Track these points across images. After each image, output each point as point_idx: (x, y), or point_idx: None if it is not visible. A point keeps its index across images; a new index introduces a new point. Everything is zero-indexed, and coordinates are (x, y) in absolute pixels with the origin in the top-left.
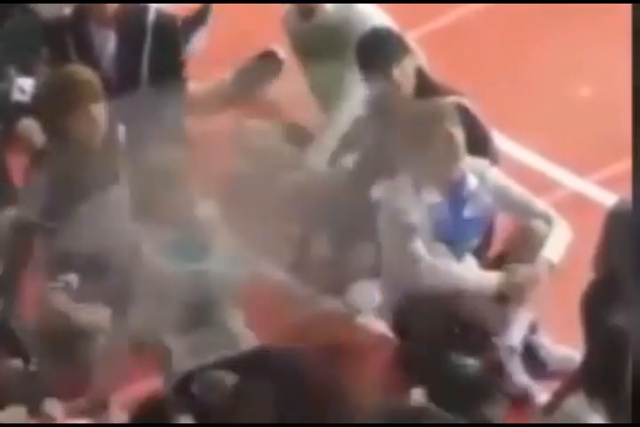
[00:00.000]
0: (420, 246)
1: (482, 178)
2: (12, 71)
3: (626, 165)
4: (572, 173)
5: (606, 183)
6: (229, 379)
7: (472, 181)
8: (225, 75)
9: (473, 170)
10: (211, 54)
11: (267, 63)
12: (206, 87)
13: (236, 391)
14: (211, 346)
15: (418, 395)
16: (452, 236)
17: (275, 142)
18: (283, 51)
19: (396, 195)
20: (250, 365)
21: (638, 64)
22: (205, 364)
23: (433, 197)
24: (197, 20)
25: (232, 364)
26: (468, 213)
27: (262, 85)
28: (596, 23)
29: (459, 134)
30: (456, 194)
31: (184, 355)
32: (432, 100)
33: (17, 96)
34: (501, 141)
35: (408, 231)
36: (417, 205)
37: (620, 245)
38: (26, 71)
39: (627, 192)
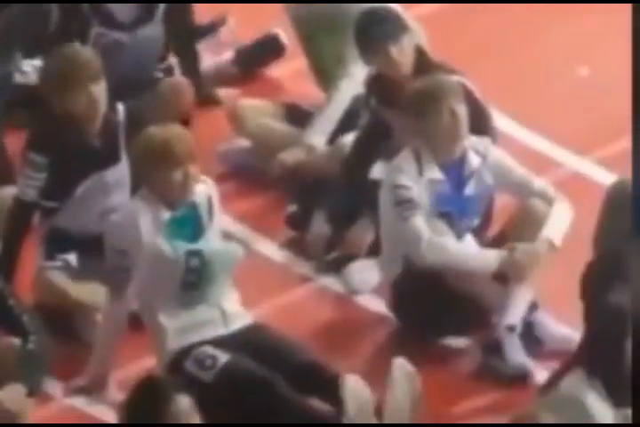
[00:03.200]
0: (420, 223)
1: (483, 156)
2: (17, 54)
3: (625, 144)
4: (572, 152)
5: (606, 162)
6: (223, 356)
7: (473, 160)
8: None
9: (474, 148)
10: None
11: (269, 47)
12: (211, 65)
13: (229, 369)
14: (205, 324)
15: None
16: (452, 213)
17: (273, 121)
18: (284, 34)
19: (396, 172)
20: (244, 344)
21: (638, 64)
22: (201, 341)
23: (434, 174)
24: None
25: (227, 342)
26: (468, 191)
27: (262, 67)
28: (595, 7)
29: (462, 112)
30: (457, 172)
31: (179, 333)
32: (434, 78)
33: (18, 78)
34: (502, 121)
35: (408, 208)
36: (418, 182)
37: (619, 224)
38: (30, 54)
39: (626, 171)
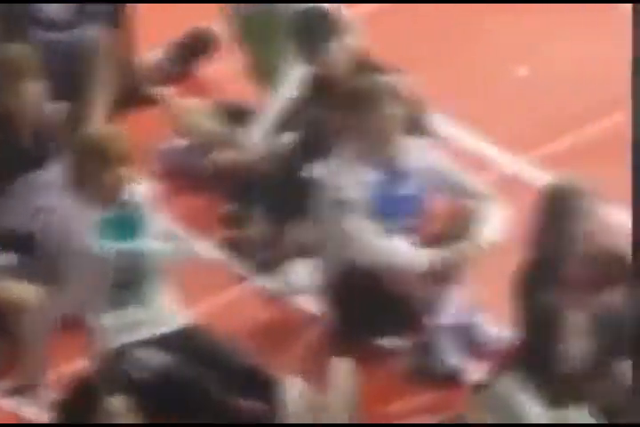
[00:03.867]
0: (355, 223)
1: (419, 157)
2: None
3: (560, 145)
4: (508, 152)
5: (541, 163)
6: (159, 358)
7: (408, 160)
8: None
9: (409, 148)
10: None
11: (199, 40)
12: (144, 63)
13: (163, 370)
14: (140, 324)
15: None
16: (387, 213)
17: (210, 121)
18: (217, 29)
19: (332, 172)
20: (179, 344)
21: (638, 65)
22: (136, 342)
23: (369, 174)
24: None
25: (162, 342)
26: (403, 190)
27: (194, 62)
28: (534, 7)
29: (397, 113)
30: (392, 172)
31: (113, 333)
32: (370, 78)
33: None
34: (438, 121)
35: (344, 208)
36: (353, 182)
37: (554, 225)
38: None
39: (562, 172)
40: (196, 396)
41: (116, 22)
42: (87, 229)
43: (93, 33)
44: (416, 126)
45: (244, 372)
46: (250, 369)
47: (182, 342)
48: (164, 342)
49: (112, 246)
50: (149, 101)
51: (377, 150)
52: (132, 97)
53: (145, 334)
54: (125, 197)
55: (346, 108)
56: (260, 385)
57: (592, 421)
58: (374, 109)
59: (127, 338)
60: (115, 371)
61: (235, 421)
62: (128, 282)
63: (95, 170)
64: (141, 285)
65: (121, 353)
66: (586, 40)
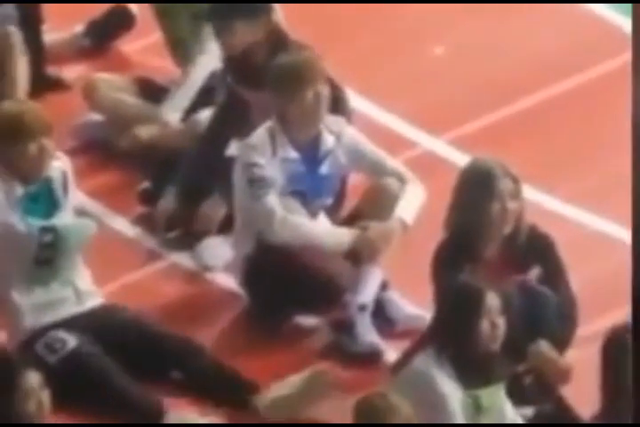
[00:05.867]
0: (273, 201)
1: (337, 136)
2: None
3: (478, 124)
4: (425, 132)
5: (459, 142)
6: (72, 341)
7: (328, 139)
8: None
9: (328, 128)
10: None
11: (118, 18)
12: (61, 38)
13: (74, 354)
14: (59, 303)
15: None
16: (306, 192)
17: (127, 96)
18: (135, 7)
19: (250, 150)
20: (95, 324)
21: (638, 65)
22: (51, 322)
23: (288, 153)
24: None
25: (79, 323)
26: (323, 170)
27: (113, 39)
28: None
29: (325, 93)
30: (312, 151)
31: (32, 311)
32: (299, 57)
33: None
34: (356, 100)
35: (261, 186)
36: (271, 160)
37: (472, 205)
38: None
39: (479, 152)
40: (99, 383)
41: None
42: (9, 205)
43: (8, 11)
44: (334, 106)
45: (166, 346)
46: (167, 343)
47: (98, 322)
48: (81, 323)
49: (34, 222)
50: (60, 86)
51: (299, 130)
52: (42, 80)
53: (64, 313)
54: (46, 172)
55: (273, 88)
56: (176, 360)
57: (506, 401)
58: (303, 91)
59: (47, 317)
60: (30, 351)
61: (133, 411)
62: (48, 258)
63: (15, 144)
64: (60, 261)
65: (38, 334)
66: (504, 19)
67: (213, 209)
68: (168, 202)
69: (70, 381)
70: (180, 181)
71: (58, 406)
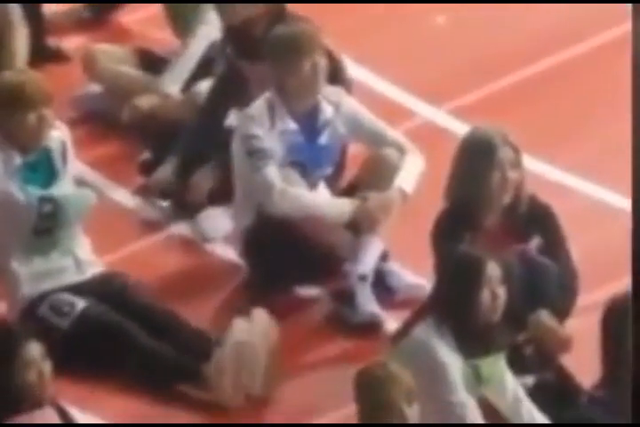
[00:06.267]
0: (273, 172)
1: (336, 106)
2: None
3: (479, 94)
4: (426, 101)
5: (459, 112)
6: (80, 303)
7: (327, 109)
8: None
9: (327, 98)
10: None
11: None
12: (61, 10)
13: (86, 315)
14: (59, 272)
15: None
16: (305, 163)
17: (126, 67)
18: None
19: (249, 122)
20: (98, 291)
21: (638, 64)
22: (52, 289)
23: (287, 124)
24: None
25: (81, 289)
26: (322, 140)
27: (113, 10)
28: None
29: (323, 64)
30: (311, 122)
31: (32, 280)
32: (297, 28)
33: None
34: (355, 70)
35: (260, 157)
36: (270, 131)
37: (472, 175)
38: None
39: (479, 121)
40: (117, 340)
41: None
42: (8, 174)
43: None
44: (333, 76)
45: (160, 317)
46: (166, 314)
47: (101, 289)
48: (84, 289)
49: (33, 192)
50: (61, 58)
51: (297, 101)
52: (42, 51)
53: (64, 281)
54: (45, 142)
55: (271, 59)
56: (176, 329)
57: (507, 370)
58: (301, 62)
59: (47, 285)
60: (34, 317)
61: (152, 365)
62: (47, 228)
63: (15, 113)
64: (60, 231)
65: (41, 299)
66: None
67: (205, 179)
68: (165, 171)
69: (86, 342)
70: (179, 152)
71: (69, 371)
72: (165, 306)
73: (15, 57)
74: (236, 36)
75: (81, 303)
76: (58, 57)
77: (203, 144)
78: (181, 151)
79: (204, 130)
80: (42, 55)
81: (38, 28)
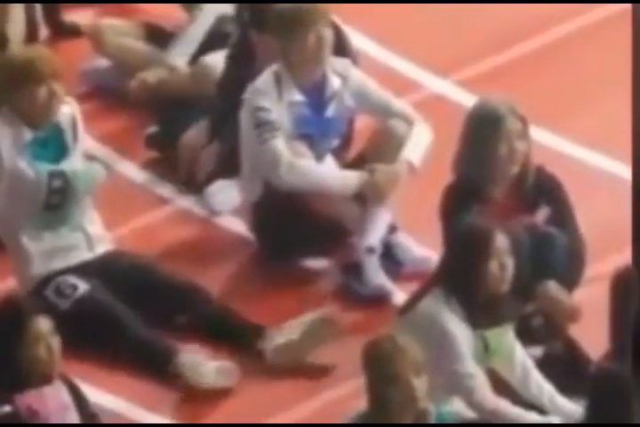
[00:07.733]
0: (280, 145)
1: (343, 78)
2: None
3: (485, 65)
4: (432, 73)
5: (466, 84)
6: (83, 286)
7: (334, 81)
8: None
9: (334, 70)
10: None
11: None
12: None
13: (85, 299)
14: (70, 249)
15: None
16: (313, 135)
17: (133, 41)
18: None
19: (256, 94)
20: (103, 270)
21: (638, 66)
22: (62, 268)
23: (294, 96)
24: None
25: (89, 269)
26: (329, 112)
27: None
28: None
29: (328, 36)
30: (318, 94)
31: (43, 257)
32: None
33: None
34: (362, 42)
35: (267, 129)
36: (278, 104)
37: (480, 146)
38: None
39: (486, 92)
40: (110, 328)
41: None
42: (17, 149)
43: None
44: (340, 48)
45: (172, 291)
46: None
47: (109, 268)
48: (91, 269)
49: (43, 167)
50: (73, 31)
51: (303, 73)
52: (57, 26)
53: (75, 259)
54: (55, 117)
55: (275, 31)
56: (182, 305)
57: (515, 341)
58: (305, 33)
59: (57, 264)
60: (40, 297)
61: (143, 355)
62: (57, 204)
63: (25, 88)
64: (70, 206)
65: (49, 280)
66: None
67: (195, 138)
68: (180, 147)
69: (82, 326)
70: (189, 126)
71: (70, 352)
72: (172, 284)
73: (11, 37)
74: (243, 6)
75: (83, 287)
76: (73, 32)
77: (212, 117)
78: (191, 125)
79: (213, 103)
80: (57, 30)
81: (54, 4)
